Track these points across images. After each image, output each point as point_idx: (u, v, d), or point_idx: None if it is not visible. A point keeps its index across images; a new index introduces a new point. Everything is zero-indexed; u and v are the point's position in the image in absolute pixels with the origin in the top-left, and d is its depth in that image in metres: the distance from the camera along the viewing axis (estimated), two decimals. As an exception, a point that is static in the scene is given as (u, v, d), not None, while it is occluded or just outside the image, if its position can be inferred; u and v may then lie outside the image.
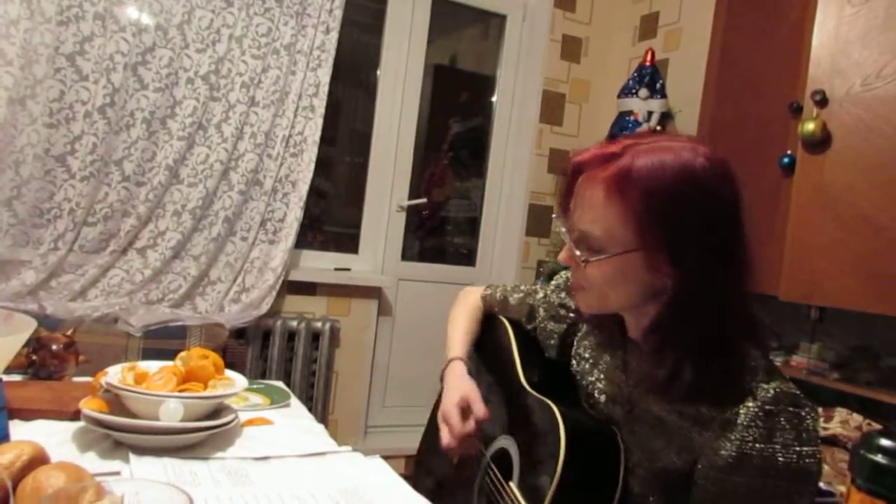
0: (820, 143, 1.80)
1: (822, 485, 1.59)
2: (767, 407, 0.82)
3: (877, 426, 1.81)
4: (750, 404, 0.83)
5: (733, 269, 0.86)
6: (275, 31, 2.49)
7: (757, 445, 0.81)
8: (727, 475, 0.83)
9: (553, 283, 1.23)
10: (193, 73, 2.39)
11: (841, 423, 1.80)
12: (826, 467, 1.64)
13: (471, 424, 1.10)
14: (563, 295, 1.19)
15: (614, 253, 0.86)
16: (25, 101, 2.18)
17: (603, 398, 1.05)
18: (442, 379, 1.24)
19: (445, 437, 1.11)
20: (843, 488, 1.55)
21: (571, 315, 1.17)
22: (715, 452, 0.84)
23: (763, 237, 2.09)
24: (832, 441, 1.76)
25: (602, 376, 1.06)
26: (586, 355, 1.11)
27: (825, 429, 1.78)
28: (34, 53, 2.16)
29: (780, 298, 1.91)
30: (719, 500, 0.84)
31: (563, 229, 0.94)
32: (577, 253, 0.90)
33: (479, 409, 1.10)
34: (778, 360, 2.17)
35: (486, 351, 1.32)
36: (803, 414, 0.83)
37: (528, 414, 1.06)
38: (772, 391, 0.83)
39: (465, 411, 1.11)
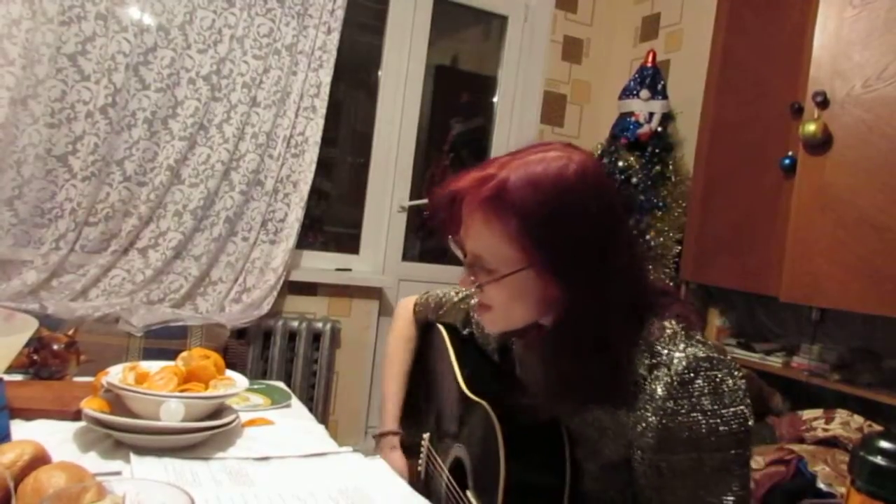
0: (821, 144, 1.80)
1: (822, 486, 1.60)
2: (682, 375, 0.81)
3: (878, 428, 1.81)
4: (665, 377, 0.82)
5: (616, 279, 0.86)
6: (276, 32, 2.50)
7: (678, 418, 0.80)
8: (656, 455, 0.82)
9: None
10: (195, 74, 2.40)
11: (842, 424, 1.80)
12: (827, 468, 1.64)
13: None
14: None
15: (506, 273, 0.87)
16: (27, 101, 2.18)
17: (540, 396, 1.04)
18: (377, 443, 1.27)
19: None
20: (842, 490, 1.55)
21: None
22: (641, 434, 0.83)
23: (764, 238, 2.09)
24: (832, 442, 1.76)
25: (536, 375, 1.05)
26: (521, 355, 1.11)
27: (826, 430, 1.78)
28: (36, 53, 2.17)
29: (781, 299, 1.91)
30: (657, 482, 0.83)
31: (460, 254, 0.94)
32: (472, 278, 0.91)
33: None
34: (779, 362, 2.17)
35: (429, 362, 1.31)
36: (721, 376, 0.81)
37: (470, 419, 1.05)
38: (685, 360, 0.81)
39: None
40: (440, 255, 3.28)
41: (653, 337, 0.86)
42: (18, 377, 1.23)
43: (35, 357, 1.24)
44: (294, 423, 1.20)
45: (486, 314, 0.95)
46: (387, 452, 1.25)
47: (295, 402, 1.34)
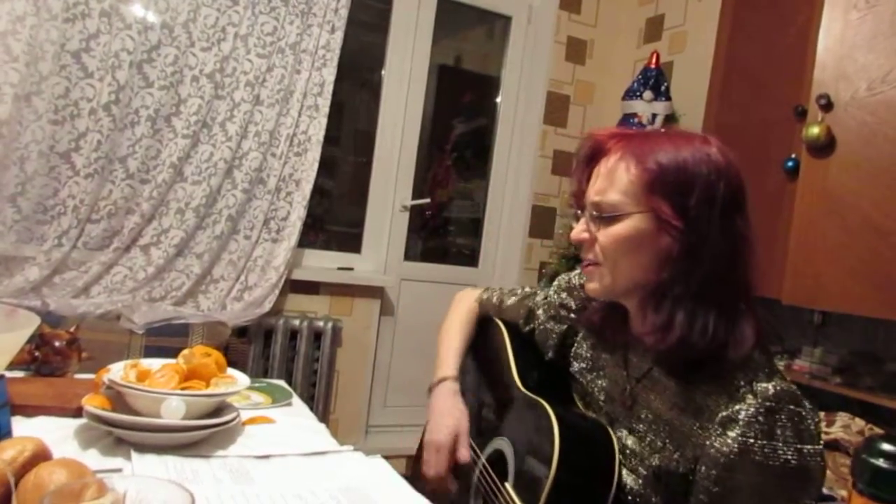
0: (824, 147, 1.80)
1: (823, 489, 1.59)
2: (768, 404, 0.82)
3: (879, 431, 1.81)
4: (751, 401, 0.83)
5: (737, 246, 0.89)
6: (280, 30, 2.50)
7: (758, 442, 0.81)
8: (728, 473, 0.83)
9: (554, 284, 1.23)
10: (198, 72, 2.40)
11: (843, 427, 1.79)
12: (828, 471, 1.63)
13: (452, 461, 1.12)
14: (563, 295, 1.19)
15: (626, 213, 0.91)
16: (31, 98, 2.18)
17: (603, 396, 1.05)
18: (429, 393, 1.23)
19: (431, 469, 1.13)
20: (844, 493, 1.54)
21: (573, 316, 1.17)
22: (716, 450, 0.84)
23: (767, 241, 2.09)
24: (834, 446, 1.75)
25: (602, 374, 1.07)
26: (587, 355, 1.12)
27: (826, 433, 1.78)
28: (40, 50, 2.17)
29: (783, 302, 1.91)
30: (720, 498, 0.84)
31: (578, 210, 0.99)
32: (594, 214, 0.94)
33: (464, 452, 1.12)
34: (780, 364, 2.16)
35: (481, 353, 1.32)
36: (804, 413, 0.83)
37: (522, 415, 1.06)
38: (772, 389, 0.83)
39: (455, 445, 1.13)
40: (442, 255, 3.29)
41: (739, 358, 0.87)
42: (20, 374, 1.23)
43: (37, 354, 1.25)
44: (295, 421, 1.20)
45: (593, 272, 0.97)
46: (447, 397, 1.19)
47: (296, 400, 1.34)
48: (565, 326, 1.18)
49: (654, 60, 2.74)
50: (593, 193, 0.95)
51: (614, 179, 0.92)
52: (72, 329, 1.32)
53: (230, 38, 2.42)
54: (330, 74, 2.59)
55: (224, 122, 2.45)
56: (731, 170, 0.92)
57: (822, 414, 1.87)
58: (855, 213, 1.74)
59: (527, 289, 1.30)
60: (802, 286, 1.85)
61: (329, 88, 2.59)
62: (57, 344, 1.26)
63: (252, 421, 1.15)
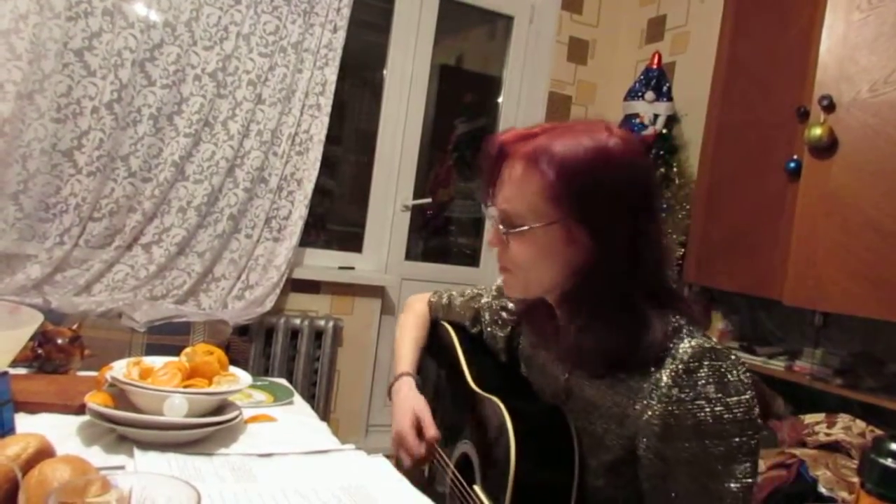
0: (826, 148, 1.80)
1: (823, 490, 1.60)
2: (687, 364, 0.82)
3: (879, 432, 1.81)
4: (670, 365, 0.83)
5: (649, 242, 0.89)
6: (282, 30, 2.50)
7: (683, 405, 0.81)
8: (662, 443, 0.83)
9: (495, 286, 1.24)
10: (201, 71, 2.40)
11: (844, 429, 1.79)
12: (828, 473, 1.63)
13: (423, 445, 1.12)
14: (503, 299, 1.20)
15: (535, 225, 0.89)
16: (33, 96, 2.18)
17: (547, 392, 1.05)
18: (390, 394, 1.23)
19: (405, 460, 1.13)
20: (844, 494, 1.54)
21: (513, 318, 1.17)
22: (647, 423, 0.84)
23: (768, 241, 2.09)
24: (835, 447, 1.75)
25: (541, 371, 1.07)
26: (527, 354, 1.12)
27: (828, 434, 1.78)
28: (43, 48, 2.17)
29: (785, 303, 1.91)
30: (662, 470, 0.84)
31: (490, 212, 0.98)
32: (502, 225, 0.93)
33: (430, 429, 1.12)
34: (781, 365, 2.16)
35: (435, 359, 1.32)
36: (725, 366, 0.83)
37: (479, 415, 1.06)
38: (690, 349, 0.83)
39: (419, 430, 1.12)
40: (443, 255, 3.29)
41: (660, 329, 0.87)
42: (23, 371, 1.23)
43: (39, 351, 1.25)
44: (296, 419, 1.21)
45: (507, 276, 0.97)
46: (404, 391, 1.19)
47: (297, 399, 1.34)
48: (509, 329, 1.18)
49: (655, 61, 2.74)
50: (501, 200, 0.93)
51: (518, 189, 0.90)
52: (74, 327, 1.32)
53: (232, 37, 2.42)
54: (332, 74, 2.59)
55: (226, 121, 2.45)
56: (637, 165, 0.91)
57: (822, 415, 1.87)
58: (857, 214, 1.74)
59: (472, 290, 1.30)
60: (804, 287, 1.85)
61: (331, 88, 2.60)
62: (60, 341, 1.26)
63: (254, 419, 1.15)
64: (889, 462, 0.43)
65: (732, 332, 2.45)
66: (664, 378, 0.83)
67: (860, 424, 1.80)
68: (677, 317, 0.88)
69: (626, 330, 0.87)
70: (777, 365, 2.17)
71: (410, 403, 1.16)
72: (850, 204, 1.76)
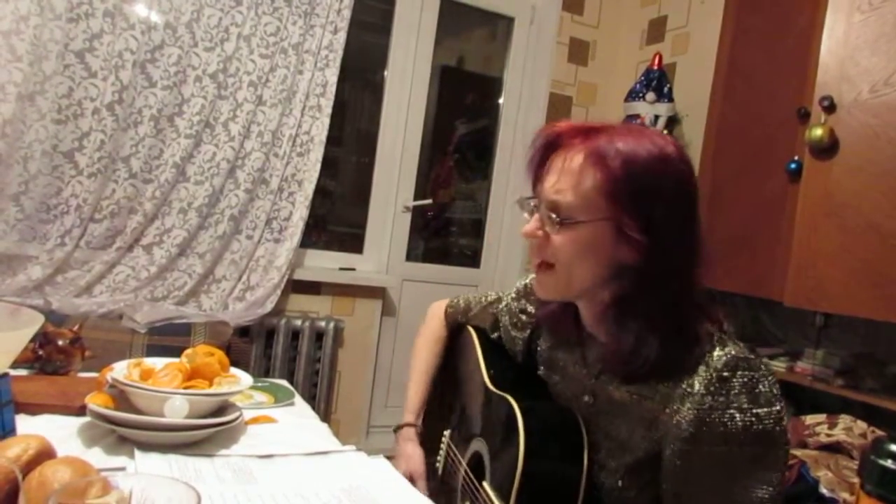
0: (827, 149, 1.80)
1: (824, 491, 1.59)
2: (720, 373, 0.82)
3: (881, 433, 1.81)
4: (703, 372, 0.83)
5: (694, 249, 0.89)
6: (283, 31, 2.50)
7: (714, 412, 0.82)
8: (690, 446, 0.83)
9: (514, 289, 1.24)
10: (201, 72, 2.40)
11: (845, 429, 1.79)
12: (829, 474, 1.63)
13: None
14: (523, 301, 1.20)
15: (586, 220, 0.88)
16: (34, 97, 2.18)
17: (567, 395, 1.05)
18: (395, 434, 1.30)
19: None
20: (846, 495, 1.54)
21: (532, 321, 1.17)
22: (676, 425, 0.84)
23: (769, 242, 2.09)
24: (836, 448, 1.75)
25: (562, 374, 1.07)
26: (546, 356, 1.12)
27: (829, 435, 1.78)
28: (44, 49, 2.17)
29: (786, 304, 1.91)
30: (687, 473, 0.84)
31: (532, 202, 0.95)
32: (551, 215, 0.90)
33: (421, 487, 1.16)
34: (782, 366, 2.16)
35: (457, 361, 1.33)
36: (757, 377, 0.83)
37: (493, 413, 1.07)
38: (724, 357, 0.83)
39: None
40: (444, 256, 3.29)
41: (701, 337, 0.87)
42: (23, 372, 1.23)
43: (40, 352, 1.25)
44: (297, 421, 1.21)
45: (546, 274, 0.94)
46: (401, 443, 1.27)
47: (298, 400, 1.34)
48: (528, 332, 1.18)
49: (656, 62, 2.74)
50: (551, 190, 0.90)
51: (575, 181, 0.88)
52: (75, 328, 1.32)
53: (233, 38, 2.42)
54: (333, 75, 2.59)
55: (227, 122, 2.45)
56: (689, 173, 0.91)
57: (823, 416, 1.87)
58: (857, 215, 1.74)
59: (491, 295, 1.31)
60: (804, 288, 1.85)
61: (332, 89, 2.60)
62: (60, 342, 1.26)
63: (255, 420, 1.15)
64: (888, 463, 0.43)
65: (733, 333, 2.44)
66: (697, 385, 0.83)
67: (861, 425, 1.79)
68: (713, 324, 0.89)
69: (669, 337, 0.87)
70: (778, 366, 2.17)
71: (408, 458, 1.23)
72: (850, 205, 1.76)
